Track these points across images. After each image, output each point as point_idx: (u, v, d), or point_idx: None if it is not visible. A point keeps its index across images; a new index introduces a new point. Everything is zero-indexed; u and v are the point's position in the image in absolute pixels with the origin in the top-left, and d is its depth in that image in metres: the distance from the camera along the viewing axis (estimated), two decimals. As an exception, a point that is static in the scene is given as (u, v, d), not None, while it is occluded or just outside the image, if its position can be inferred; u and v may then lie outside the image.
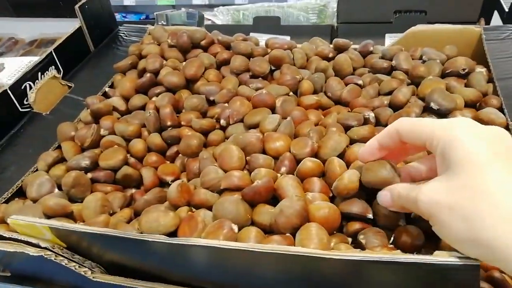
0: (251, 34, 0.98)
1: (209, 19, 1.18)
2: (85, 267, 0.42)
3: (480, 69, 0.58)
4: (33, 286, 0.47)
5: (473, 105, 0.54)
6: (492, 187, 0.26)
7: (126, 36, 0.77)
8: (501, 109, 0.51)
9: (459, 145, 0.28)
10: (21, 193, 0.51)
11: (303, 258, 0.30)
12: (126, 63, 0.67)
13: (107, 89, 0.66)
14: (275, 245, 0.31)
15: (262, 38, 0.74)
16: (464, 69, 0.57)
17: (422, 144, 0.32)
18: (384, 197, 0.35)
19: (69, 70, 0.68)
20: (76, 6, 0.67)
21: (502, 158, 0.27)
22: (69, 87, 0.66)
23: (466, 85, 0.56)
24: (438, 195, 0.29)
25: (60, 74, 0.66)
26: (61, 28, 0.79)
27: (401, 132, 0.33)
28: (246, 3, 1.63)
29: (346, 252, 0.30)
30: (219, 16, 1.17)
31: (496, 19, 0.78)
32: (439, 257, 0.28)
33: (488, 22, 0.83)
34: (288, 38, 0.96)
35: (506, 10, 0.71)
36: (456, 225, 0.27)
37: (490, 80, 0.57)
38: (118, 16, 3.13)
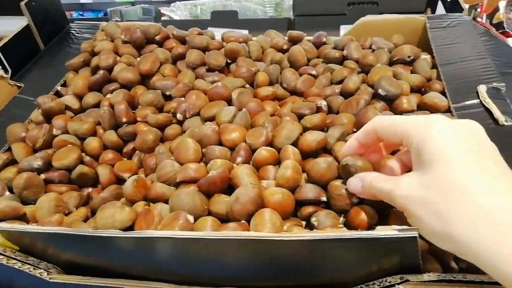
0: (209, 28, 0.98)
1: (167, 15, 1.17)
2: (41, 268, 0.41)
3: (425, 56, 0.61)
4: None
5: (419, 90, 0.57)
6: (463, 183, 0.26)
7: (78, 33, 0.75)
8: (443, 93, 0.54)
9: (432, 141, 0.29)
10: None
11: (256, 242, 0.31)
12: (79, 61, 0.65)
13: (59, 88, 0.64)
14: (228, 232, 0.32)
15: (220, 32, 0.74)
16: (409, 57, 0.60)
17: (399, 141, 0.32)
18: (354, 184, 0.36)
19: (18, 69, 0.66)
20: (22, 3, 0.64)
21: (475, 154, 0.28)
22: (19, 87, 0.64)
23: (412, 72, 0.59)
24: (412, 189, 0.29)
25: (8, 74, 0.63)
26: (6, 26, 0.75)
27: (378, 130, 0.34)
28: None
29: (295, 233, 0.31)
30: (177, 12, 1.16)
31: (441, 9, 0.82)
32: (381, 232, 0.30)
33: (433, 11, 0.87)
34: (246, 31, 0.97)
35: (449, 0, 0.74)
36: (428, 219, 0.28)
37: (434, 66, 0.60)
38: (74, 14, 3.02)
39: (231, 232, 0.32)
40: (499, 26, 0.75)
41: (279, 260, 0.35)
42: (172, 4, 1.14)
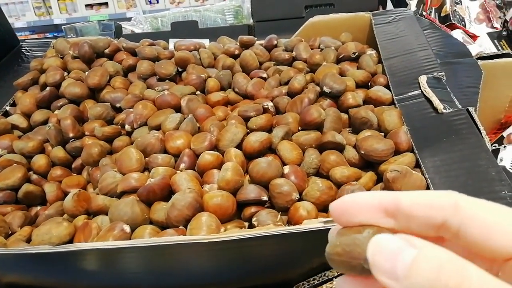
0: (170, 40, 0.98)
1: (128, 29, 1.16)
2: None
3: (370, 52, 0.62)
4: None
5: (366, 85, 0.58)
6: None
7: (29, 52, 0.74)
8: (387, 86, 0.55)
9: None
10: None
11: (178, 247, 0.31)
12: (27, 79, 0.64)
13: (7, 107, 0.63)
14: (144, 239, 0.31)
15: (170, 43, 0.74)
16: (354, 53, 0.60)
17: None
18: None
19: (-35, 92, 0.65)
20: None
21: None
22: (-35, 109, 0.63)
23: (358, 68, 0.60)
24: None
25: (-47, 97, 0.62)
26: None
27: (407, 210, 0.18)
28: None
29: (224, 234, 0.31)
30: (138, 25, 1.16)
31: (389, 7, 0.84)
32: (307, 225, 0.30)
33: (384, 9, 0.88)
34: (206, 41, 0.97)
35: (396, -4, 0.76)
36: None
37: (379, 61, 0.61)
38: (49, 36, 2.99)
39: (151, 239, 0.31)
40: (446, 18, 0.77)
41: (219, 262, 0.35)
42: (132, 18, 1.14)
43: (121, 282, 0.36)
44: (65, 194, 0.50)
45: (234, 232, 0.32)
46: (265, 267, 0.35)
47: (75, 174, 0.54)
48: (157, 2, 2.65)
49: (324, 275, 0.34)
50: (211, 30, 1.10)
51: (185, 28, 1.07)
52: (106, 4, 2.71)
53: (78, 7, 2.72)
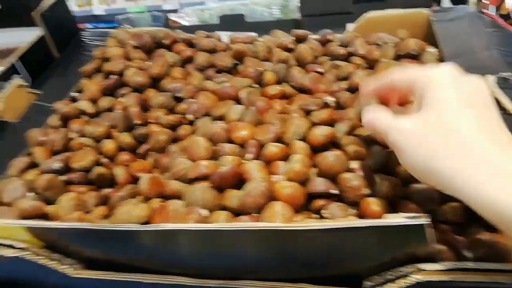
0: (217, 32, 1.00)
1: (176, 21, 1.19)
2: (65, 264, 0.42)
3: (431, 49, 0.61)
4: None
5: (425, 83, 0.57)
6: (458, 126, 0.29)
7: (90, 41, 0.77)
8: (450, 85, 0.55)
9: (436, 89, 0.31)
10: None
11: (271, 233, 0.32)
12: (91, 67, 0.67)
13: (74, 94, 0.66)
14: (244, 222, 0.33)
15: (228, 36, 0.76)
16: (415, 50, 0.60)
17: (409, 91, 0.35)
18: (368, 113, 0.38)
19: (34, 77, 0.69)
20: (38, 14, 0.67)
21: (476, 107, 0.30)
22: (36, 94, 0.66)
23: (419, 65, 0.59)
24: (408, 127, 0.32)
25: (25, 82, 0.66)
26: (20, 37, 0.78)
27: (396, 81, 0.37)
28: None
29: (309, 223, 0.32)
30: (185, 18, 1.18)
31: (446, 3, 0.82)
32: (391, 219, 0.31)
33: (439, 5, 0.87)
34: (254, 34, 0.98)
35: (454, -7, 0.75)
36: (417, 153, 0.31)
37: (440, 59, 0.60)
38: (89, 26, 3.09)
39: (247, 223, 0.33)
40: (506, 17, 0.75)
41: (294, 251, 0.36)
42: (179, 10, 1.17)
43: (206, 263, 0.38)
44: (133, 177, 0.53)
45: (316, 222, 0.34)
46: (343, 259, 0.36)
47: (140, 159, 0.57)
48: (193, -6, 2.67)
49: (399, 271, 0.35)
50: (258, 24, 1.11)
51: (232, 21, 1.08)
52: (144, -4, 2.75)
53: (117, -2, 2.78)
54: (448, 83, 0.31)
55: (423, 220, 0.30)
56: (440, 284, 0.33)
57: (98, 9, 2.80)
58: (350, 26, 0.99)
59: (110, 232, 0.38)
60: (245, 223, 0.33)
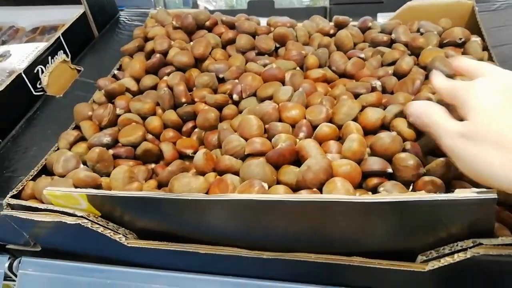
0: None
1: (202, 5, 1.19)
2: (119, 233, 0.44)
3: (475, 39, 0.61)
4: (65, 260, 0.49)
5: (471, 72, 0.57)
6: (508, 132, 0.30)
7: (129, 20, 0.78)
8: (497, 74, 0.55)
9: (478, 96, 0.33)
10: (44, 172, 0.52)
11: (341, 205, 0.33)
12: (133, 46, 0.68)
13: (116, 71, 0.67)
14: (314, 194, 0.34)
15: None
16: (460, 39, 0.60)
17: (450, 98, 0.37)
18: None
19: (76, 54, 0.69)
20: (81, -9, 0.68)
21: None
22: (78, 70, 0.67)
23: (463, 54, 0.59)
24: (460, 129, 0.33)
25: (68, 58, 0.67)
26: (61, 15, 0.79)
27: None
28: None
29: (380, 196, 0.33)
30: (212, 2, 1.18)
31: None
32: (461, 194, 0.32)
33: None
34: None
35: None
36: (474, 162, 0.32)
37: (484, 48, 0.61)
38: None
39: (313, 195, 0.33)
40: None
41: (361, 224, 0.36)
42: (208, -5, 1.17)
43: (259, 236, 0.39)
44: (180, 153, 0.54)
45: (383, 195, 0.34)
46: (393, 233, 0.37)
47: (184, 137, 0.57)
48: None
49: (457, 245, 0.35)
50: (287, 10, 1.11)
51: (261, 7, 1.08)
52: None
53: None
54: (490, 90, 0.33)
55: (492, 194, 0.31)
56: (497, 257, 0.33)
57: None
58: (381, 16, 0.99)
59: (169, 201, 0.38)
60: (303, 195, 0.34)
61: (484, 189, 0.31)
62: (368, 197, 0.33)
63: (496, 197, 0.31)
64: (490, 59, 0.58)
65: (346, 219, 0.35)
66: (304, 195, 0.33)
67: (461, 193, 0.32)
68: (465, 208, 0.33)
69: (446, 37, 0.61)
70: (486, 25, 0.63)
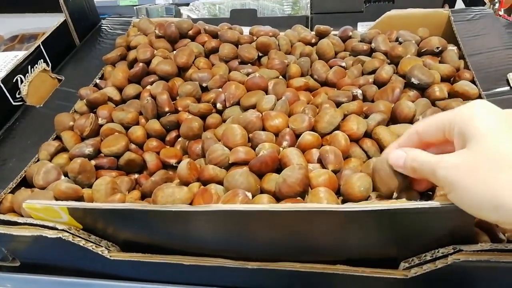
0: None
1: (186, 14, 1.19)
2: (102, 246, 0.43)
3: (452, 47, 0.63)
4: (45, 274, 0.47)
5: (448, 80, 0.59)
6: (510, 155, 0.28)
7: (111, 29, 0.77)
8: (473, 82, 0.57)
9: (477, 120, 0.30)
10: (23, 184, 0.51)
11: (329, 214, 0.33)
12: (116, 55, 0.67)
13: (98, 80, 0.66)
14: (290, 204, 0.34)
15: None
16: (438, 48, 0.62)
17: (441, 137, 0.33)
18: (397, 156, 0.36)
19: (56, 63, 0.68)
20: (61, 0, 0.67)
21: None
22: (59, 80, 0.66)
23: (441, 62, 0.61)
24: (458, 160, 0.30)
25: (48, 67, 0.66)
26: (41, 23, 0.78)
27: (421, 130, 0.35)
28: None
29: (357, 205, 0.34)
30: (195, 11, 1.18)
31: (459, 5, 0.85)
32: (440, 202, 0.32)
33: (451, 7, 0.89)
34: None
35: (468, -4, 0.77)
36: (475, 189, 0.29)
37: (461, 57, 0.62)
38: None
39: (299, 204, 0.34)
40: (516, 20, 0.78)
41: (344, 232, 0.37)
42: (191, 4, 1.17)
43: (245, 246, 0.39)
44: (164, 163, 0.53)
45: (363, 204, 0.35)
46: (376, 241, 0.37)
47: (168, 146, 0.57)
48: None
49: (438, 252, 0.36)
50: (269, 19, 1.12)
51: (243, 16, 1.09)
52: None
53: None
54: (487, 112, 0.30)
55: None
56: (477, 263, 0.34)
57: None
58: (361, 25, 1.01)
59: (152, 213, 0.38)
60: (284, 205, 0.34)
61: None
62: (350, 206, 0.33)
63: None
64: (466, 67, 0.60)
65: (329, 228, 0.35)
66: (286, 205, 0.33)
67: (441, 201, 0.32)
68: (445, 216, 0.33)
69: (424, 46, 0.63)
70: (462, 34, 0.65)
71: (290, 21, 1.10)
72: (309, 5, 1.11)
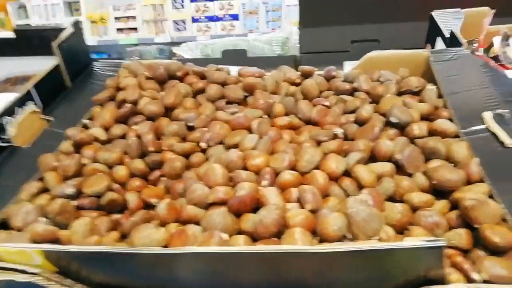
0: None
1: (179, 54, 1.23)
2: (77, 290, 0.42)
3: (431, 87, 0.65)
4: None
5: (427, 118, 0.60)
6: None
7: (102, 71, 0.80)
8: (451, 120, 0.58)
9: None
10: (2, 226, 0.50)
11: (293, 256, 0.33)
12: (105, 96, 0.69)
13: (86, 121, 0.67)
14: (263, 246, 0.34)
15: (231, 70, 0.79)
16: (417, 87, 0.64)
17: None
18: None
19: (48, 103, 0.70)
20: (56, 45, 0.69)
21: None
22: (48, 121, 0.67)
23: (420, 101, 0.63)
24: None
25: (39, 109, 0.67)
26: (35, 65, 0.80)
27: None
28: (208, 40, 1.68)
29: (329, 246, 0.33)
30: (188, 51, 1.22)
31: (439, 45, 0.88)
32: (409, 242, 0.32)
33: (433, 47, 0.92)
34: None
35: (447, 36, 0.80)
36: None
37: (439, 95, 0.64)
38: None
39: (266, 246, 0.34)
40: (495, 59, 0.80)
41: (319, 273, 0.36)
42: (183, 44, 1.21)
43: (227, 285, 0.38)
44: (145, 203, 0.53)
45: (331, 245, 0.35)
46: (355, 281, 0.37)
47: (151, 186, 0.57)
48: (185, 30, 2.66)
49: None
50: (259, 59, 1.16)
51: (234, 56, 1.13)
52: (135, 29, 2.74)
53: (109, 30, 2.80)
54: None
55: (441, 242, 0.32)
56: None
57: (91, 40, 2.82)
58: (348, 64, 1.04)
59: (127, 256, 0.38)
60: (252, 247, 0.34)
61: (433, 238, 0.32)
62: (324, 247, 0.33)
63: (444, 244, 0.32)
64: (445, 106, 0.61)
65: (304, 268, 0.35)
66: (260, 247, 0.33)
67: (410, 241, 0.32)
68: (415, 256, 0.33)
69: (403, 85, 0.65)
70: (441, 74, 0.67)
71: (280, 61, 1.13)
72: (298, 45, 1.15)
